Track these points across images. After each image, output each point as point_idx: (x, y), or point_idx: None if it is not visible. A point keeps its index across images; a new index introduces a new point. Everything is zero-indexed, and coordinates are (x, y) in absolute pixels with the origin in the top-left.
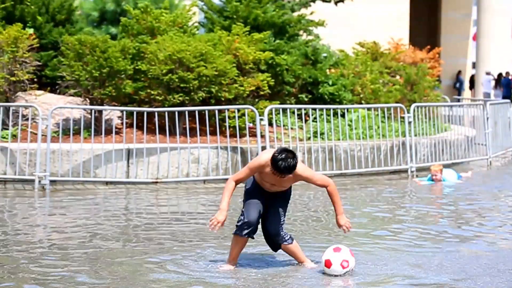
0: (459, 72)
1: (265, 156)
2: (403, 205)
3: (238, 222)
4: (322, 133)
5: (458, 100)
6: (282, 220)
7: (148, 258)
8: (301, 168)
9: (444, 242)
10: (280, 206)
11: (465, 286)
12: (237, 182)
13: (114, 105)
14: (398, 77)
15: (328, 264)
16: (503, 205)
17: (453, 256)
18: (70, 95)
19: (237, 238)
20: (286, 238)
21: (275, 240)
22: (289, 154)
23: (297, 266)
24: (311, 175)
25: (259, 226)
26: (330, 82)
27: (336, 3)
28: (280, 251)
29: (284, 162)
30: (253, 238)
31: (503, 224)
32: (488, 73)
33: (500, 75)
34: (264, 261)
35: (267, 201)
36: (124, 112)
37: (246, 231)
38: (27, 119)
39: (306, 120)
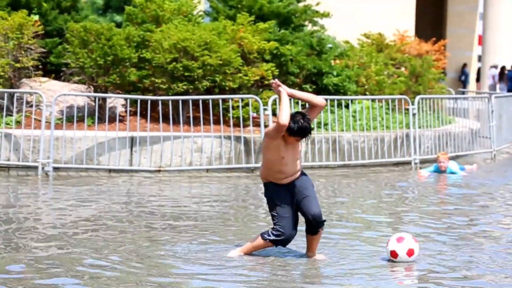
0: (465, 65)
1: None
2: (406, 198)
3: (271, 230)
4: (326, 124)
5: (463, 93)
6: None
7: (151, 246)
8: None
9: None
10: (311, 190)
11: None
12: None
13: (118, 93)
14: (403, 69)
15: (394, 255)
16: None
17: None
18: (75, 82)
19: (266, 243)
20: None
21: (319, 223)
22: (299, 116)
23: (304, 257)
24: (309, 108)
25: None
26: (335, 73)
27: None
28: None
29: (305, 123)
30: (284, 247)
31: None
32: (493, 67)
33: (503, 68)
34: (271, 250)
35: (295, 193)
36: (128, 100)
37: (282, 243)
38: (31, 106)
39: None
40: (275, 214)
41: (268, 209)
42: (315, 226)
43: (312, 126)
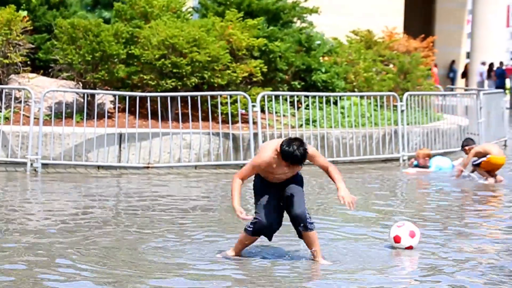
0: (453, 61)
1: (268, 153)
2: (393, 194)
3: (252, 222)
4: (314, 121)
5: (452, 90)
6: (304, 202)
7: (139, 243)
8: (310, 148)
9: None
10: (299, 187)
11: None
12: (243, 179)
13: (107, 89)
14: (391, 65)
15: (397, 239)
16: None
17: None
18: (63, 78)
19: (247, 236)
20: (311, 224)
21: (302, 223)
22: (297, 142)
23: (308, 260)
24: (317, 154)
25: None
26: (323, 70)
27: None
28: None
29: (297, 151)
30: (270, 240)
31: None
32: (482, 63)
33: (491, 65)
34: (267, 252)
35: (282, 188)
36: (117, 97)
37: (260, 233)
38: (20, 102)
39: (298, 107)
40: (258, 205)
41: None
42: (297, 226)
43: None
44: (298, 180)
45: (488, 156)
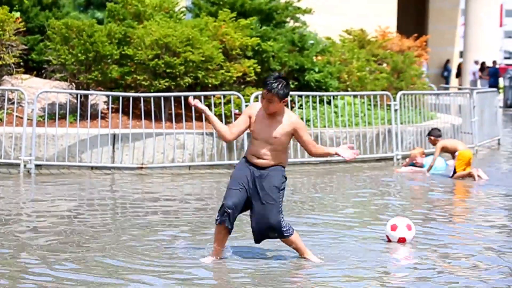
0: (448, 61)
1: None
2: (387, 193)
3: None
4: (308, 120)
5: (447, 89)
6: (280, 207)
7: (132, 244)
8: (298, 120)
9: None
10: (272, 193)
11: None
12: (231, 127)
13: (100, 90)
14: (385, 65)
15: (394, 227)
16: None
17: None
18: (56, 79)
19: (216, 227)
20: (288, 229)
21: (278, 234)
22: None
23: (298, 259)
24: (303, 127)
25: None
26: (317, 69)
27: None
28: (267, 242)
29: (272, 78)
30: (230, 227)
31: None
32: (476, 62)
33: (483, 63)
34: (253, 253)
35: (256, 188)
36: (110, 97)
37: (222, 218)
38: (13, 103)
39: (292, 107)
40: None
41: None
42: (269, 237)
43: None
44: (275, 179)
45: (456, 154)
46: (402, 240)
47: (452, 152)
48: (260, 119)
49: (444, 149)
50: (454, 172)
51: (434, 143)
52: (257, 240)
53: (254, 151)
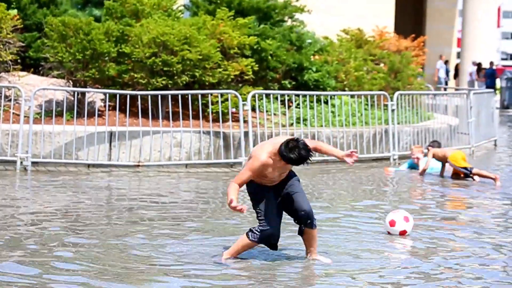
0: (446, 61)
1: (264, 154)
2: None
3: (257, 227)
4: (305, 120)
5: (445, 89)
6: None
7: (130, 243)
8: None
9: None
10: (298, 184)
11: None
12: (241, 185)
13: (97, 88)
14: (382, 65)
15: (392, 223)
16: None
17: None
18: (53, 76)
19: (250, 243)
20: (315, 220)
21: (310, 220)
22: (295, 143)
23: (305, 260)
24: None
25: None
26: (314, 69)
27: None
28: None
29: (298, 153)
30: (275, 249)
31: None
32: (474, 63)
33: (480, 65)
34: (266, 253)
35: (280, 188)
36: (107, 95)
37: (268, 240)
38: (10, 100)
39: (289, 106)
40: (259, 211)
41: (252, 206)
42: (305, 223)
43: (310, 154)
44: (294, 177)
45: (448, 160)
46: (403, 233)
47: (443, 160)
48: (274, 168)
49: (435, 156)
50: (454, 172)
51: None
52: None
53: (270, 182)
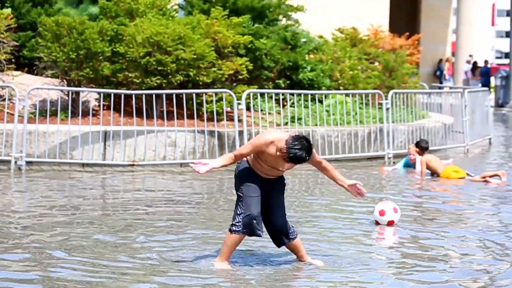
0: (440, 60)
1: (271, 136)
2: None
3: (236, 218)
4: (299, 119)
5: (440, 88)
6: (285, 211)
7: (124, 243)
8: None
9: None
10: (281, 195)
11: None
12: (237, 157)
13: (92, 87)
14: (376, 63)
15: (382, 213)
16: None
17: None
18: (48, 76)
19: (235, 236)
20: (293, 233)
21: (283, 235)
22: (303, 142)
23: (298, 263)
24: (314, 152)
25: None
26: (309, 68)
27: None
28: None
29: (299, 151)
30: (262, 234)
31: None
32: (468, 62)
33: (475, 63)
34: (260, 257)
35: (265, 191)
36: (102, 94)
37: (250, 228)
38: (4, 100)
39: (283, 105)
40: (241, 194)
41: (235, 190)
42: (274, 237)
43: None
44: (282, 184)
45: (439, 175)
46: (391, 223)
47: (432, 171)
48: (275, 158)
49: (427, 166)
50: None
51: (418, 154)
52: (279, 244)
53: (264, 173)
